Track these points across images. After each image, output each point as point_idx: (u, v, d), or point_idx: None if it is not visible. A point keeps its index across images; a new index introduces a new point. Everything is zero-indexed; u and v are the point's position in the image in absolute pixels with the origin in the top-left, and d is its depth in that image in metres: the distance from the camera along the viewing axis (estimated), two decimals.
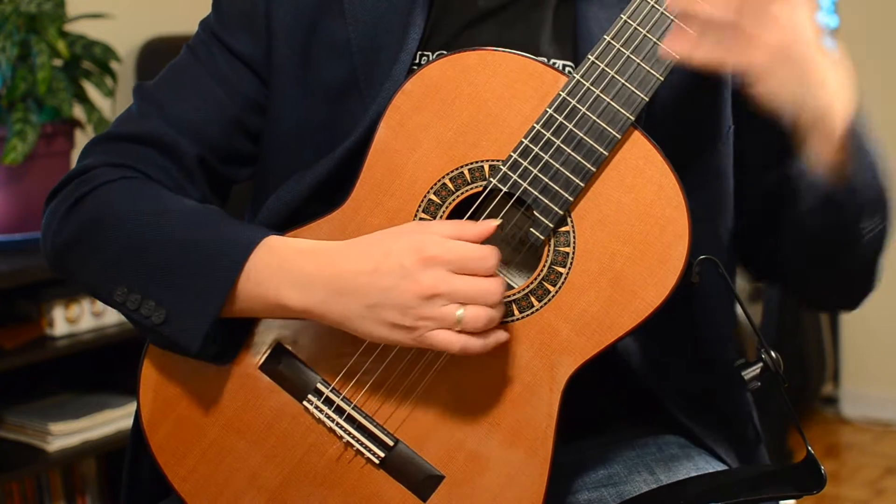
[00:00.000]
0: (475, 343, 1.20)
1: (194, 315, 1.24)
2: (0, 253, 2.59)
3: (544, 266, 1.24)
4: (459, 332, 1.19)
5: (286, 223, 1.33)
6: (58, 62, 2.67)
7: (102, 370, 2.79)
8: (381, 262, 1.19)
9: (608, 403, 1.41)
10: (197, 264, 1.24)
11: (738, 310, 1.43)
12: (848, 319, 3.98)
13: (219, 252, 1.24)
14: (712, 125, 1.35)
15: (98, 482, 2.76)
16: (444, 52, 1.34)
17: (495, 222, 1.23)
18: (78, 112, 2.73)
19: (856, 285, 1.36)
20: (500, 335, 1.22)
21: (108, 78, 2.74)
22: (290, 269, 1.23)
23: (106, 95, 2.71)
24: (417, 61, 1.35)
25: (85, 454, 2.67)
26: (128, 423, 2.57)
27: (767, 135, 1.28)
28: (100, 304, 2.66)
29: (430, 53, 1.35)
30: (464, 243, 1.20)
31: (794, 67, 1.17)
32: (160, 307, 1.25)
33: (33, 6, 2.58)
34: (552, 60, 1.33)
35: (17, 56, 2.59)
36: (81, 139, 2.77)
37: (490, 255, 1.20)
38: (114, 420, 2.68)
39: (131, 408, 1.37)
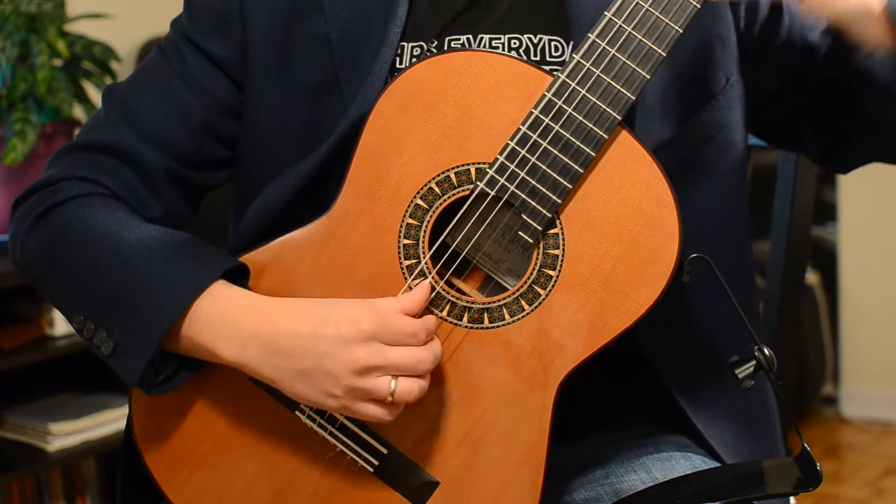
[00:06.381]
0: (399, 410, 1.22)
1: (136, 350, 1.24)
2: (0, 253, 2.58)
3: (534, 269, 1.23)
4: (390, 403, 1.20)
5: (272, 226, 1.33)
6: (58, 62, 2.67)
7: (102, 370, 2.75)
8: (318, 327, 1.20)
9: (607, 403, 1.41)
10: (142, 304, 1.25)
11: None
12: (848, 319, 3.98)
13: (163, 294, 1.25)
14: (707, 81, 1.36)
15: (98, 482, 2.76)
16: (434, 41, 1.33)
17: (427, 284, 1.23)
18: (78, 112, 2.73)
19: None
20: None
21: (108, 78, 2.74)
22: (228, 322, 1.23)
23: None
24: (399, 52, 1.33)
25: (85, 454, 2.68)
26: None
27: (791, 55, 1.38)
28: None
29: (422, 44, 1.33)
30: (398, 317, 1.20)
31: None
32: (110, 339, 1.26)
33: (33, 6, 2.58)
34: (539, 36, 1.32)
35: (17, 56, 2.59)
36: None
37: (420, 329, 1.21)
38: (114, 420, 2.68)
39: None
